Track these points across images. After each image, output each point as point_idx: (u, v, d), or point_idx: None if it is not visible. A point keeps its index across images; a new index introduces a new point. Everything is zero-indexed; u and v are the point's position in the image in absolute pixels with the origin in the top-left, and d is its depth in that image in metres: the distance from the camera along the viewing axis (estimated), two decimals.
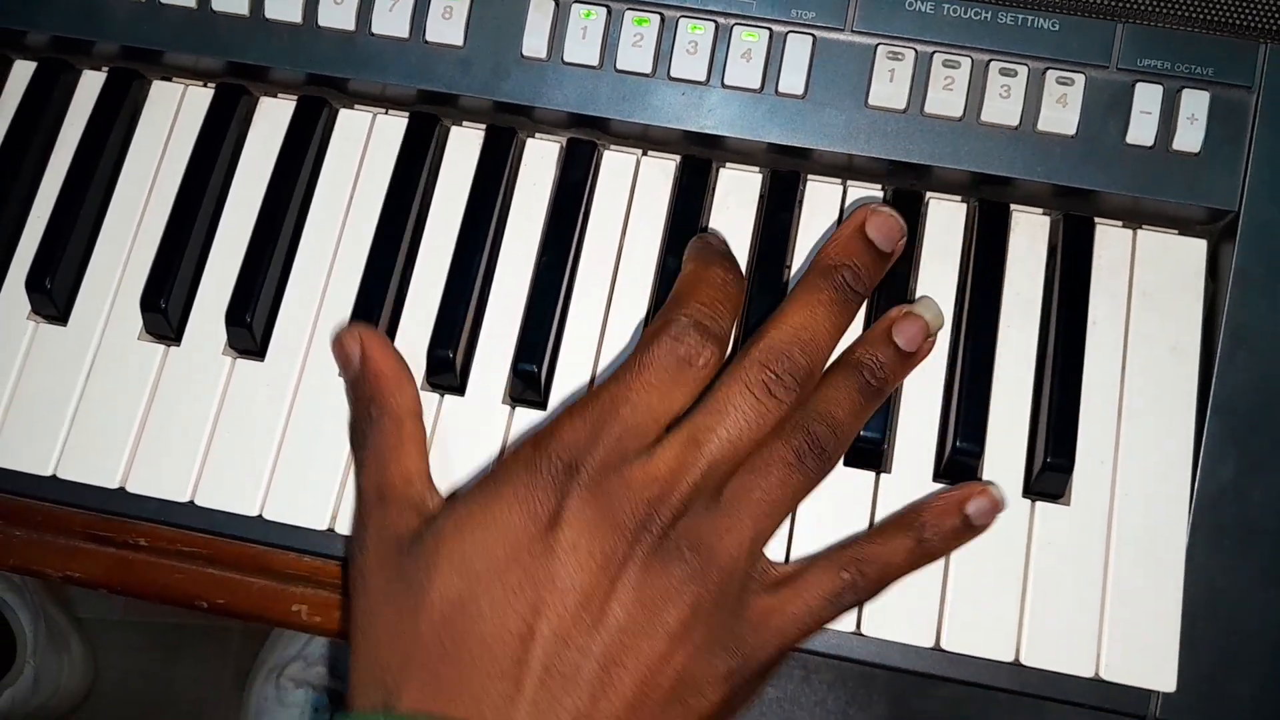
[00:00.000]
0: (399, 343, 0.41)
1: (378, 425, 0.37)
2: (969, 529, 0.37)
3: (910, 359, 0.38)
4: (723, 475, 0.35)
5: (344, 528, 0.39)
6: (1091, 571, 0.38)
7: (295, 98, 0.44)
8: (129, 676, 1.06)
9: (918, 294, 0.41)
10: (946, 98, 0.40)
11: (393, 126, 0.43)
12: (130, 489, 0.40)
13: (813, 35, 0.40)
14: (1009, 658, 0.37)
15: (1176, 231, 0.41)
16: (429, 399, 0.40)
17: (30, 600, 0.97)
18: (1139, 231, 0.41)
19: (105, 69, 0.45)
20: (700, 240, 0.40)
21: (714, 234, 0.41)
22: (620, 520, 0.33)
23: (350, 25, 0.42)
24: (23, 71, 0.45)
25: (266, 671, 0.93)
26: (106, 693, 1.06)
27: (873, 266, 0.38)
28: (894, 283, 0.40)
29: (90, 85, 0.45)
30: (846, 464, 0.39)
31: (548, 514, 0.33)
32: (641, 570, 0.33)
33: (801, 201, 0.42)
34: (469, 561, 0.33)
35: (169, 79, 0.45)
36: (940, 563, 0.38)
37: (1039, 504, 0.39)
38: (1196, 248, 0.41)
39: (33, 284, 0.41)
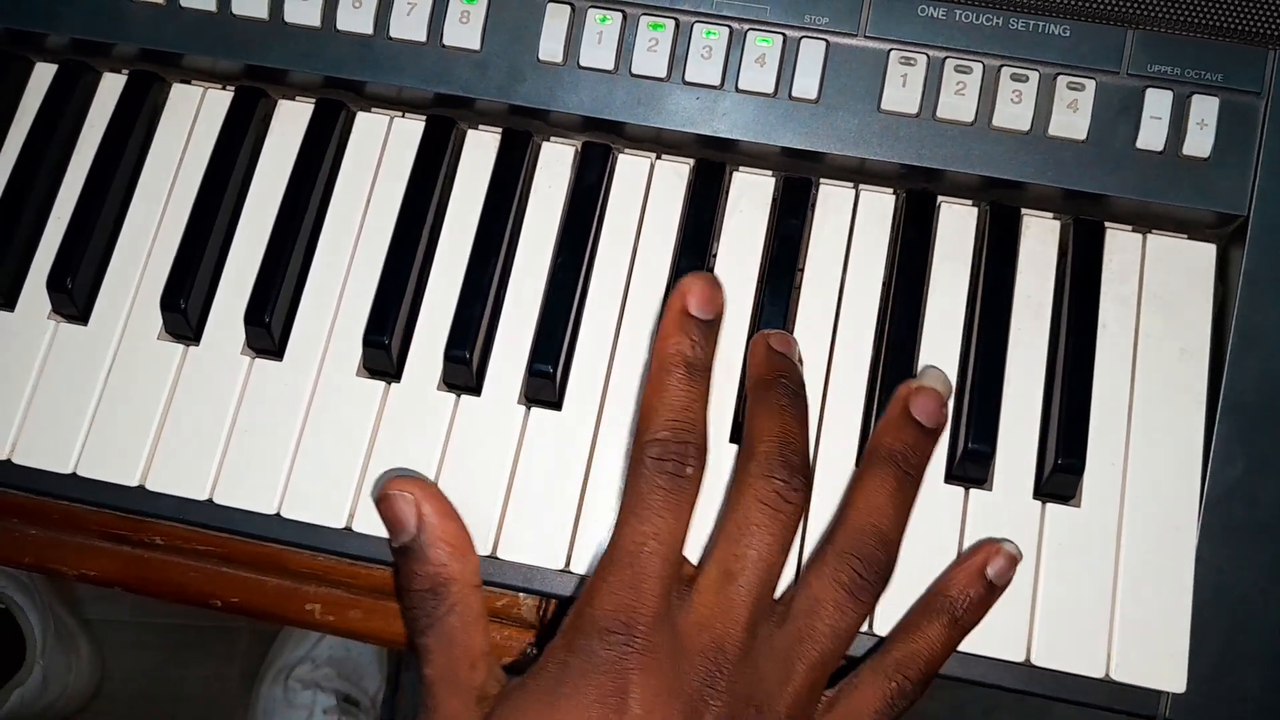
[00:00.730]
0: (415, 343, 0.41)
1: (443, 605, 0.35)
2: (994, 592, 0.37)
3: (934, 437, 0.38)
4: (766, 600, 0.35)
5: (361, 526, 0.39)
6: (1102, 572, 0.38)
7: (313, 100, 0.44)
8: (136, 677, 1.07)
9: (930, 296, 0.41)
10: (958, 102, 0.40)
11: (410, 129, 0.44)
12: (150, 487, 0.40)
13: (826, 40, 0.41)
14: (1020, 658, 0.38)
15: (1186, 236, 0.42)
16: (445, 399, 0.41)
17: (39, 601, 0.98)
18: (1149, 235, 0.42)
19: (125, 71, 0.45)
20: (665, 331, 0.38)
21: (698, 286, 0.38)
22: (686, 685, 0.33)
23: (368, 29, 0.42)
24: (44, 74, 0.45)
25: (274, 672, 0.93)
26: (114, 693, 1.07)
27: (796, 369, 0.38)
28: (908, 286, 0.41)
29: (110, 87, 0.45)
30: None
31: (618, 697, 0.32)
32: None
33: (814, 205, 0.42)
34: None
35: (188, 81, 0.45)
36: (951, 564, 0.38)
37: (1049, 505, 0.39)
38: (1206, 252, 0.41)
39: (54, 283, 0.42)
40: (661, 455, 0.35)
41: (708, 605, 0.34)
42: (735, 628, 0.34)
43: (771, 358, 0.39)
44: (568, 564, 0.39)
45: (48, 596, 1.00)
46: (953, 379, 0.40)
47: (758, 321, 0.41)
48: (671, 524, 0.35)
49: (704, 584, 0.35)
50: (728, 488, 0.38)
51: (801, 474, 0.36)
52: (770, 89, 0.41)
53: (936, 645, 0.36)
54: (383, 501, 0.36)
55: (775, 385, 0.38)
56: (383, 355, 0.40)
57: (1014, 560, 0.37)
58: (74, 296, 0.42)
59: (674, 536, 0.35)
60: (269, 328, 0.41)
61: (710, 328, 0.38)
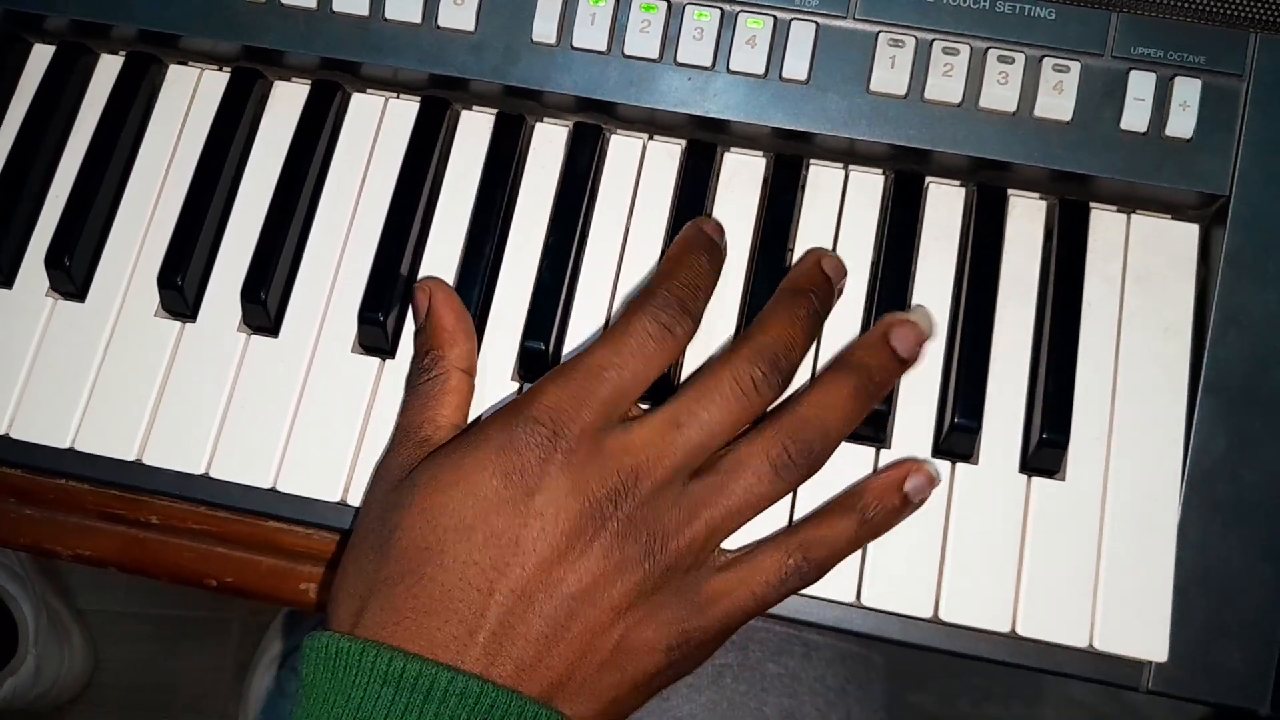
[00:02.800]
0: (410, 321, 0.42)
1: (427, 372, 0.39)
2: (907, 506, 0.38)
3: (903, 366, 0.39)
4: (695, 460, 0.36)
5: (356, 500, 0.40)
6: (1086, 545, 0.39)
7: (309, 82, 0.45)
8: (129, 667, 1.07)
9: (918, 275, 0.42)
10: (946, 84, 0.41)
11: (405, 110, 0.44)
12: (147, 461, 0.41)
13: (816, 22, 0.41)
14: (1005, 629, 0.38)
15: (1169, 216, 0.42)
16: None
17: (32, 591, 0.98)
18: (1133, 216, 0.42)
19: (122, 53, 0.46)
20: (694, 225, 0.41)
21: (710, 220, 0.42)
22: (591, 492, 0.35)
23: (364, 11, 0.43)
24: (42, 55, 0.46)
25: (267, 662, 0.93)
26: (106, 683, 1.07)
27: (830, 298, 0.40)
28: (896, 266, 0.41)
29: (108, 69, 0.46)
30: (849, 440, 0.40)
31: (522, 478, 0.35)
32: (601, 544, 0.35)
33: (804, 185, 0.43)
34: (441, 514, 0.35)
35: (185, 63, 0.45)
36: (939, 536, 0.39)
37: (1035, 479, 0.40)
38: (1189, 232, 0.42)
39: (52, 261, 0.42)
40: (661, 306, 0.37)
41: (641, 438, 0.35)
42: (657, 465, 0.35)
43: (814, 274, 0.40)
44: None
45: (40, 586, 1.00)
46: (940, 356, 0.41)
47: (749, 301, 0.41)
48: (639, 366, 0.36)
49: (648, 422, 0.36)
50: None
51: (783, 375, 0.37)
52: (761, 70, 0.42)
53: (842, 538, 0.37)
54: (412, 294, 0.41)
55: (804, 295, 0.39)
56: (378, 332, 0.41)
57: (932, 481, 0.38)
58: (72, 274, 0.42)
59: (636, 377, 0.36)
60: (265, 305, 0.41)
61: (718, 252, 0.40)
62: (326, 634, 0.34)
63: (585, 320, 0.42)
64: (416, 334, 0.41)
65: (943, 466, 0.40)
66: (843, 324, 0.41)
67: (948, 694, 1.05)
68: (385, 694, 0.32)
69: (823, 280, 0.40)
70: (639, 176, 0.43)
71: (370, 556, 0.36)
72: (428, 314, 0.40)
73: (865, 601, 0.38)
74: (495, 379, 0.41)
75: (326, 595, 0.43)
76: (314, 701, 0.33)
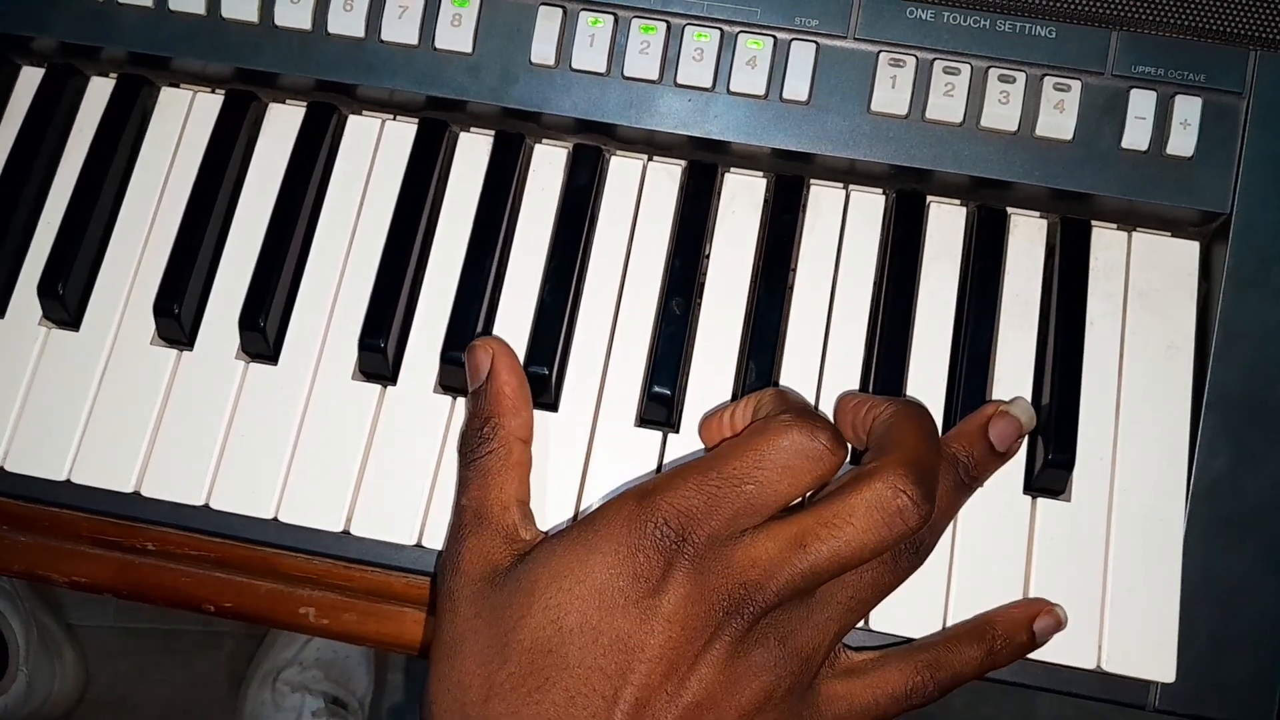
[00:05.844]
0: (411, 346, 0.41)
1: (488, 444, 0.37)
2: (1033, 644, 0.38)
3: (1001, 458, 0.38)
4: (821, 581, 0.34)
5: (359, 529, 0.40)
6: (1092, 566, 0.39)
7: (304, 104, 0.44)
8: (122, 682, 1.06)
9: (920, 294, 0.42)
10: (947, 103, 0.41)
11: (402, 132, 0.44)
12: (145, 493, 0.40)
13: (816, 43, 0.41)
14: None
15: (1170, 233, 0.42)
16: (444, 401, 0.41)
17: (22, 608, 0.97)
18: (1134, 234, 0.42)
19: (113, 75, 0.45)
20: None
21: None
22: (712, 600, 0.33)
23: (359, 32, 0.42)
24: (30, 78, 0.45)
25: (262, 675, 0.93)
26: (99, 699, 1.06)
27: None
28: (899, 285, 0.41)
29: (98, 91, 0.45)
30: (853, 462, 0.40)
31: (649, 580, 0.33)
32: (725, 651, 0.33)
33: (805, 206, 0.43)
34: (563, 613, 0.33)
35: (177, 85, 0.45)
36: (945, 558, 0.39)
37: (1040, 500, 0.40)
38: (1190, 249, 0.42)
39: (44, 289, 0.41)
40: (822, 426, 0.34)
41: (766, 552, 0.33)
42: (779, 582, 0.33)
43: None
44: None
45: (31, 603, 0.99)
46: (944, 377, 0.41)
47: (752, 321, 0.41)
48: (783, 485, 0.34)
49: (775, 534, 0.34)
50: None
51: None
52: (761, 91, 0.41)
53: (969, 666, 0.37)
54: (468, 352, 0.40)
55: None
56: (378, 358, 0.40)
57: (1060, 624, 0.38)
58: (65, 302, 0.41)
59: (777, 495, 0.34)
60: (263, 332, 0.41)
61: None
62: None
63: (588, 342, 0.41)
64: (472, 395, 0.39)
65: None
66: (845, 345, 0.41)
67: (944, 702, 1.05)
68: None
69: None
70: (639, 197, 0.43)
71: (482, 656, 0.34)
72: (489, 377, 0.38)
73: (874, 626, 0.38)
74: None
75: (326, 619, 0.43)
76: None
